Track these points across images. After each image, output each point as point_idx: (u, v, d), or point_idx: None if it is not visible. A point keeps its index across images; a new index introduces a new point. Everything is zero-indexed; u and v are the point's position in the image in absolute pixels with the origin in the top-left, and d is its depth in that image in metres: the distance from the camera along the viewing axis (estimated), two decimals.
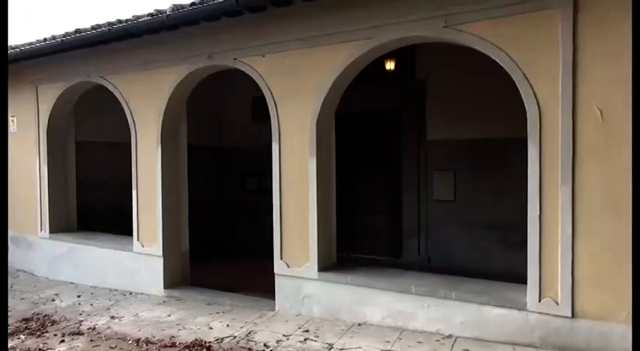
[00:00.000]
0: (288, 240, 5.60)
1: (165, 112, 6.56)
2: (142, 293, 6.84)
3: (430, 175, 8.72)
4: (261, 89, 10.19)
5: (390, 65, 7.79)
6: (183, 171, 6.93)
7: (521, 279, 4.60)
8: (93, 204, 8.74)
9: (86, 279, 7.44)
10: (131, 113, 6.87)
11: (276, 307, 5.75)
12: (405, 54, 8.52)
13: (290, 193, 5.57)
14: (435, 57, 8.47)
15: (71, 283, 7.61)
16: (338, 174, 9.70)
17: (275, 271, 5.75)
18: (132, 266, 6.95)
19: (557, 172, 4.21)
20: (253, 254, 9.77)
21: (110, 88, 7.05)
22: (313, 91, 5.44)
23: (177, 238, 6.84)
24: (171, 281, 6.74)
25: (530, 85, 4.30)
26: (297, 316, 5.58)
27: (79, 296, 6.90)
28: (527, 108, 4.35)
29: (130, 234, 7.66)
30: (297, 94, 5.54)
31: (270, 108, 5.79)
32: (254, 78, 5.84)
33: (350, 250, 9.55)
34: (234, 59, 5.92)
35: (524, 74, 4.33)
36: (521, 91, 4.37)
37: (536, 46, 4.27)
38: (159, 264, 6.67)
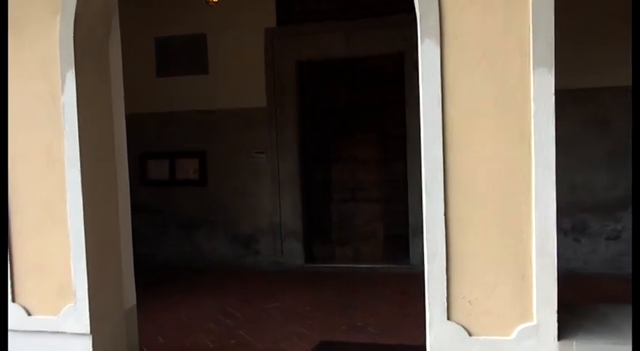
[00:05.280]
0: (472, 276, 2.20)
1: None
2: None
3: None
4: (167, 27, 6.35)
5: None
6: (121, 139, 2.93)
7: None
8: None
9: None
10: None
11: None
12: None
13: (479, 173, 2.16)
14: None
15: None
16: (301, 145, 6.33)
17: (428, 345, 2.29)
18: None
19: None
20: (167, 277, 5.82)
21: None
22: None
23: (118, 281, 2.84)
24: None
25: None
26: None
27: None
28: None
29: None
30: None
31: None
32: None
33: (325, 258, 6.25)
34: None
35: None
36: None
37: None
38: None
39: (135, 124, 6.34)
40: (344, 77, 6.00)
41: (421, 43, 2.17)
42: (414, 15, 6.12)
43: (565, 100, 5.41)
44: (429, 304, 2.23)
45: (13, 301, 2.63)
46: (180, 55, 6.30)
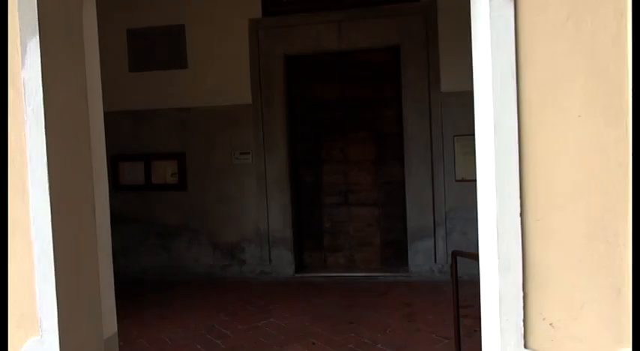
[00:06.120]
0: (555, 293, 1.73)
1: None
2: None
3: (448, 143, 5.43)
4: (141, 17, 5.85)
5: None
6: (99, 129, 2.37)
7: None
8: None
9: None
10: None
11: None
12: None
13: (562, 162, 1.72)
14: None
15: None
16: (290, 145, 5.81)
17: None
18: None
19: None
20: (144, 292, 5.19)
21: None
22: None
23: (96, 306, 2.27)
24: None
25: None
26: None
27: None
28: None
29: None
30: None
31: None
32: None
33: (316, 267, 5.73)
34: None
35: None
36: None
37: None
38: None
39: (106, 123, 5.71)
40: (335, 72, 5.53)
41: (490, 0, 1.70)
42: (410, 4, 5.59)
43: None
44: (501, 328, 1.75)
45: None
46: (156, 48, 5.70)
